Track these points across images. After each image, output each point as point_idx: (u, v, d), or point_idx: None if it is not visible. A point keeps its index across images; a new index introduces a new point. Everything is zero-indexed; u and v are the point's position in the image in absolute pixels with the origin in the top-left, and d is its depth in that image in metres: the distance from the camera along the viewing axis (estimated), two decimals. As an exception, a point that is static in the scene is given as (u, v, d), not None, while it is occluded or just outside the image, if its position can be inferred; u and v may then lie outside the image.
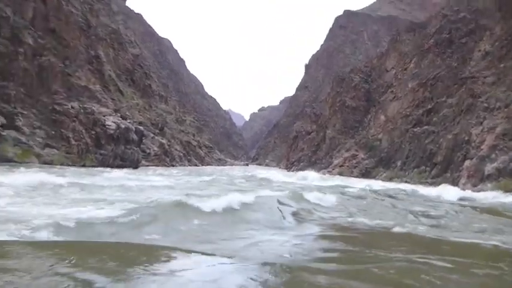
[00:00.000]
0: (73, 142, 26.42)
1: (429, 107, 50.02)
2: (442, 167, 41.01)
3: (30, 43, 28.31)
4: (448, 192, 23.42)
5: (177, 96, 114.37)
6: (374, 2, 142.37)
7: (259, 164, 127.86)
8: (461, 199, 20.73)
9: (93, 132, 27.85)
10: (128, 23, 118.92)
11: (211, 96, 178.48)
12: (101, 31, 46.84)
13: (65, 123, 26.94)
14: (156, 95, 71.01)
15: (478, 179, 31.54)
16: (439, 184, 39.49)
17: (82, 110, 27.55)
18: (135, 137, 31.30)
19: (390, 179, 47.33)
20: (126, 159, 30.20)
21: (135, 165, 31.27)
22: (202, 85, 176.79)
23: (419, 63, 63.43)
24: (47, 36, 29.93)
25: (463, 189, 31.79)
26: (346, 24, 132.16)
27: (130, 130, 30.50)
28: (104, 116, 28.79)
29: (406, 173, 46.82)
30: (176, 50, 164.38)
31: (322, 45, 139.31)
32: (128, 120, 33.05)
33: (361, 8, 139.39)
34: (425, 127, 47.63)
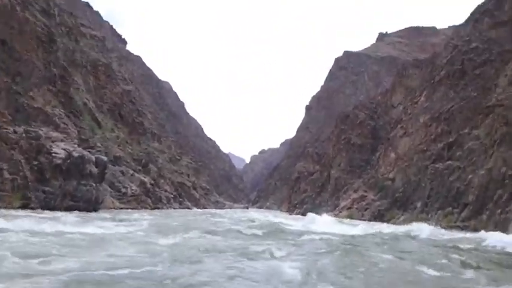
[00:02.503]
0: (6, 175, 19.22)
1: (450, 140, 42.90)
2: (474, 208, 33.44)
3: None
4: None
5: (175, 138, 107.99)
6: (372, 44, 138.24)
7: (260, 207, 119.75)
8: None
9: (35, 162, 20.59)
10: (127, 65, 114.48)
11: (210, 139, 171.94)
12: (81, 57, 40.59)
13: (0, 152, 19.86)
14: (149, 133, 64.29)
15: (536, 223, 24.01)
16: (474, 228, 31.88)
17: (25, 134, 20.48)
18: (94, 169, 23.68)
19: (410, 223, 39.53)
20: (79, 198, 22.65)
21: (93, 206, 23.75)
22: (201, 128, 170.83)
23: (430, 97, 56.97)
24: (-6, 47, 23.42)
25: (516, 235, 24.19)
26: (346, 65, 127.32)
27: (87, 160, 22.92)
28: (53, 142, 21.63)
29: (429, 216, 39.10)
30: (175, 93, 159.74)
31: (322, 86, 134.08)
32: (88, 150, 25.82)
33: (360, 49, 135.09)
34: (448, 162, 40.34)
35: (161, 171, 51.14)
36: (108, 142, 36.98)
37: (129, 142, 43.78)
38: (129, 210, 28.63)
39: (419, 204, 41.42)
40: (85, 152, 23.54)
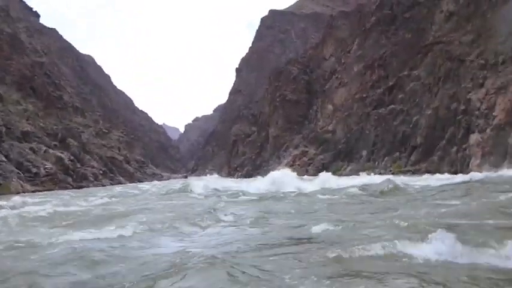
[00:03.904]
0: None
1: (390, 84, 40.50)
2: (423, 150, 31.27)
3: None
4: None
5: (102, 112, 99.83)
6: (297, 1, 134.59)
7: (199, 175, 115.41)
8: None
9: None
10: (41, 38, 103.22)
11: (142, 111, 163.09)
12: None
13: None
14: (70, 107, 57.23)
15: (500, 156, 21.65)
16: (426, 171, 29.63)
17: None
18: (-24, 145, 18.12)
19: (357, 173, 37.06)
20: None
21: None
22: (131, 100, 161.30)
23: (362, 45, 54.54)
24: None
25: (480, 171, 21.73)
26: (272, 24, 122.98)
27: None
28: None
29: (376, 163, 36.83)
30: (100, 66, 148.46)
31: (250, 47, 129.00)
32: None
33: (286, 7, 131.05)
34: (391, 107, 37.97)
35: (86, 146, 45.11)
36: (12, 116, 30.63)
37: (41, 116, 37.31)
38: (42, 193, 23.05)
39: (364, 153, 39.07)
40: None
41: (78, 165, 34.44)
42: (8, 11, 70.11)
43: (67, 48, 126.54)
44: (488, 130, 22.79)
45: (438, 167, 28.25)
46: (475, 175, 18.14)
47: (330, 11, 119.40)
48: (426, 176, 22.14)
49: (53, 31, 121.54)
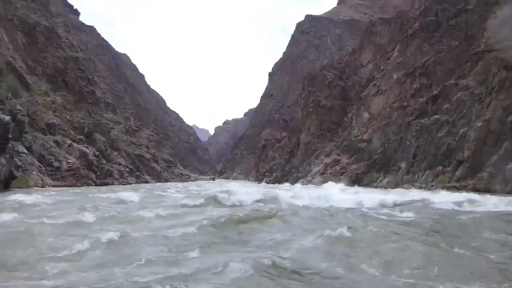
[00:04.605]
0: None
1: (434, 93, 37.70)
2: (471, 165, 28.44)
3: None
4: None
5: (135, 110, 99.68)
6: (334, 7, 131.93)
7: (227, 178, 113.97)
8: None
9: None
10: (80, 35, 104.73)
11: (174, 112, 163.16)
12: (5, 10, 32.70)
13: None
14: (101, 103, 56.53)
15: None
16: (473, 188, 26.86)
17: None
18: (-14, 133, 16.79)
19: (395, 186, 34.49)
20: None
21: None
22: (164, 100, 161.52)
23: (403, 51, 51.64)
24: None
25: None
26: (308, 30, 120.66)
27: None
28: None
29: (416, 176, 34.09)
30: (135, 65, 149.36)
31: (284, 52, 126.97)
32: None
33: (322, 13, 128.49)
34: (435, 117, 35.19)
35: (115, 142, 44.06)
36: (38, 107, 29.72)
37: (71, 109, 36.34)
38: (59, 188, 21.55)
39: (404, 165, 36.34)
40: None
41: (103, 162, 33.19)
42: (47, 5, 70.64)
43: (104, 46, 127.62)
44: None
45: (488, 185, 25.56)
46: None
47: (367, 18, 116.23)
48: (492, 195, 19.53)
49: (92, 29, 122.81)
